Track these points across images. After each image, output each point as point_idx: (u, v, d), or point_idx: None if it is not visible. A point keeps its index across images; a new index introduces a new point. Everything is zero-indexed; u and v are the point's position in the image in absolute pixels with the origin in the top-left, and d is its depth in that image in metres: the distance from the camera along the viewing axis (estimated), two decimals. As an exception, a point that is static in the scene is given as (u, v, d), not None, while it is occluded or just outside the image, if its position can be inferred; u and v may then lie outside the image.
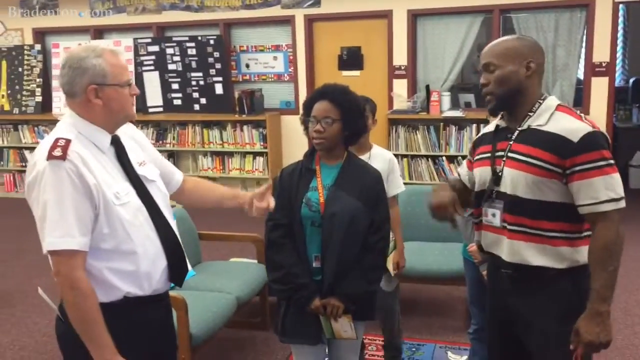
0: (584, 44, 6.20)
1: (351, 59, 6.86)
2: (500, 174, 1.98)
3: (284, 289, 2.36)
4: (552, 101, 1.98)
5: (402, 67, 6.65)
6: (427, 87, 6.54)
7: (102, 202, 1.79)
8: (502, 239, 2.01)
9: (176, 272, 2.01)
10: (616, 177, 1.86)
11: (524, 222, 1.94)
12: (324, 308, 2.34)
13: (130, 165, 1.94)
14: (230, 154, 7.21)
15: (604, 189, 1.83)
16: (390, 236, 3.07)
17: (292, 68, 7.11)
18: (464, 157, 6.37)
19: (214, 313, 3.21)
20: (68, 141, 1.77)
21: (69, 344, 1.86)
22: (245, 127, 7.06)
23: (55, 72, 7.78)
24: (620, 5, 6.13)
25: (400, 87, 6.62)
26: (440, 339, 3.76)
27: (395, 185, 3.09)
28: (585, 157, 1.83)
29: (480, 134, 2.21)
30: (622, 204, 1.86)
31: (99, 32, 7.75)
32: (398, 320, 3.26)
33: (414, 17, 6.54)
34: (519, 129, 1.98)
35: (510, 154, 1.97)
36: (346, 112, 2.35)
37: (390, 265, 3.06)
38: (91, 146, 1.85)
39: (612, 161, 1.87)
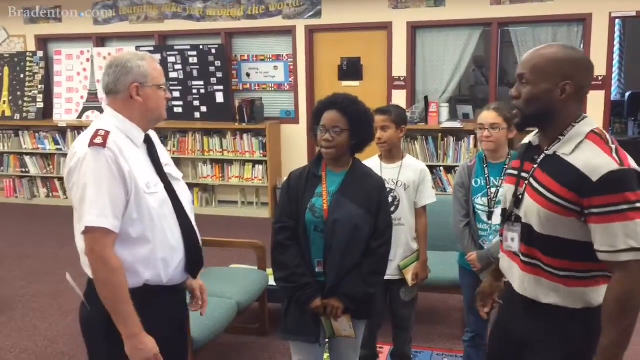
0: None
1: (351, 69, 6.94)
2: (520, 197, 1.85)
3: (288, 287, 2.44)
4: (584, 127, 1.75)
5: (401, 78, 6.73)
6: (426, 98, 6.61)
7: (134, 189, 1.94)
8: (515, 267, 1.89)
9: (192, 264, 2.14)
10: None
11: (537, 255, 1.80)
12: (324, 308, 2.41)
13: (159, 163, 2.10)
14: (230, 162, 7.26)
15: (623, 236, 1.62)
16: (415, 247, 3.14)
17: (292, 78, 7.18)
18: (461, 167, 6.43)
19: (215, 318, 3.24)
20: (107, 132, 1.95)
21: (91, 329, 2.00)
22: (245, 136, 7.12)
23: (58, 78, 7.85)
24: (617, 20, 6.22)
25: (399, 97, 6.69)
26: (436, 347, 3.80)
27: (426, 196, 3.11)
28: (604, 200, 1.63)
29: (521, 144, 2.05)
30: None
31: (101, 40, 7.82)
32: (412, 328, 3.27)
33: (414, 29, 6.63)
34: (546, 152, 1.80)
35: (531, 180, 1.81)
36: (354, 122, 2.42)
37: (409, 276, 3.07)
38: (127, 140, 2.02)
39: (639, 204, 1.62)
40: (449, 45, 6.61)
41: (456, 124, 6.44)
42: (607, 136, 1.75)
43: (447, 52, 6.63)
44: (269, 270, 4.05)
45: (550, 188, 1.73)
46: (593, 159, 1.67)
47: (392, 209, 3.04)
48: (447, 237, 4.22)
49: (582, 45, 6.19)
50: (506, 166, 2.87)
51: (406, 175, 3.07)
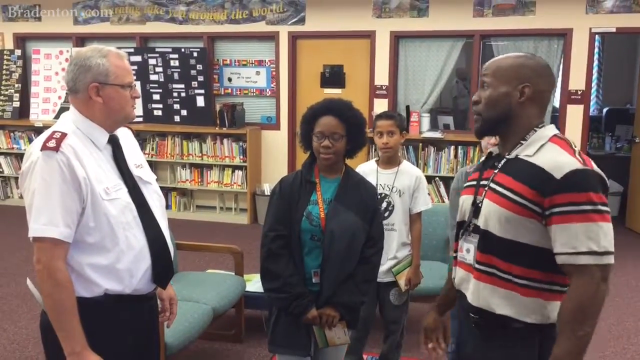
0: (560, 72, 6.36)
1: (333, 77, 6.93)
2: (480, 205, 1.78)
3: (281, 297, 2.34)
4: (547, 131, 1.74)
5: (383, 87, 6.74)
6: (407, 107, 6.63)
7: (90, 195, 1.82)
8: (469, 277, 1.80)
9: (160, 274, 2.01)
10: (604, 226, 1.58)
11: (494, 262, 1.72)
12: (319, 318, 2.35)
13: (125, 165, 1.98)
14: (209, 167, 7.19)
15: (584, 238, 1.56)
16: (408, 251, 3.14)
17: (274, 84, 7.15)
18: (441, 177, 6.45)
19: (190, 323, 3.17)
20: (64, 134, 1.83)
21: (50, 337, 1.87)
22: (225, 141, 7.05)
23: (35, 77, 7.73)
24: (596, 36, 6.31)
25: (381, 106, 6.68)
26: (414, 356, 3.76)
27: (421, 202, 3.11)
28: (566, 197, 1.58)
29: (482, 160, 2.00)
30: (607, 259, 1.57)
31: (81, 40, 7.71)
32: (402, 335, 3.25)
33: (397, 38, 6.65)
34: (507, 157, 1.76)
35: (491, 184, 1.76)
36: (351, 128, 2.37)
37: (402, 281, 3.07)
38: (88, 142, 1.90)
39: (602, 207, 1.58)
40: (431, 56, 6.64)
41: (437, 134, 6.46)
42: (570, 141, 1.74)
43: (429, 63, 6.65)
44: (247, 276, 4.01)
45: (512, 188, 1.68)
46: (557, 158, 1.64)
47: (386, 214, 3.05)
48: (432, 246, 4.23)
49: (562, 60, 6.27)
50: None
51: (402, 181, 3.07)
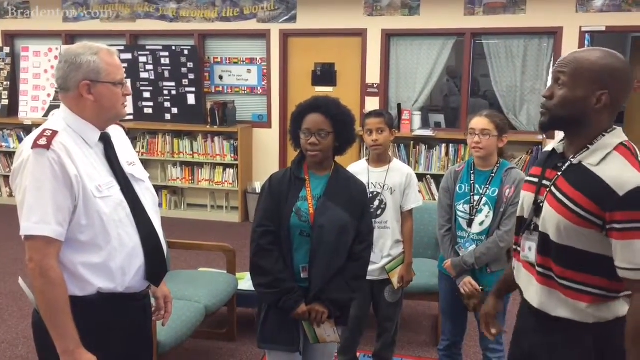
0: (550, 70, 6.39)
1: (325, 75, 6.93)
2: (541, 205, 1.78)
3: (271, 292, 2.35)
4: (613, 138, 1.69)
5: (375, 85, 6.75)
6: (399, 105, 6.64)
7: (82, 193, 1.81)
8: (532, 280, 1.82)
9: (153, 271, 2.00)
10: None
11: (551, 266, 1.74)
12: (309, 314, 2.36)
13: (117, 163, 1.97)
14: (200, 165, 7.17)
15: None
16: (401, 249, 3.13)
17: (265, 82, 7.14)
18: (433, 175, 6.47)
19: (182, 321, 3.17)
20: (55, 132, 1.82)
21: (42, 335, 1.86)
22: (216, 139, 7.03)
23: (24, 75, 7.67)
24: (586, 35, 6.34)
25: (372, 104, 6.68)
26: (406, 354, 3.78)
27: (412, 200, 3.11)
28: (628, 215, 1.56)
29: (543, 151, 1.93)
30: None
31: (70, 38, 7.66)
32: (396, 332, 3.26)
33: (388, 36, 6.65)
34: (571, 160, 1.72)
35: (553, 188, 1.74)
36: (339, 125, 2.39)
37: (394, 279, 3.08)
38: (79, 140, 1.89)
39: None
40: (422, 54, 6.65)
41: (428, 132, 6.47)
42: (637, 150, 1.69)
43: (421, 61, 6.66)
44: (239, 274, 4.01)
45: (573, 198, 1.66)
46: (621, 172, 1.60)
47: (379, 212, 3.06)
48: (424, 244, 4.25)
49: (552, 58, 6.30)
50: (493, 174, 2.85)
51: (393, 179, 3.08)
